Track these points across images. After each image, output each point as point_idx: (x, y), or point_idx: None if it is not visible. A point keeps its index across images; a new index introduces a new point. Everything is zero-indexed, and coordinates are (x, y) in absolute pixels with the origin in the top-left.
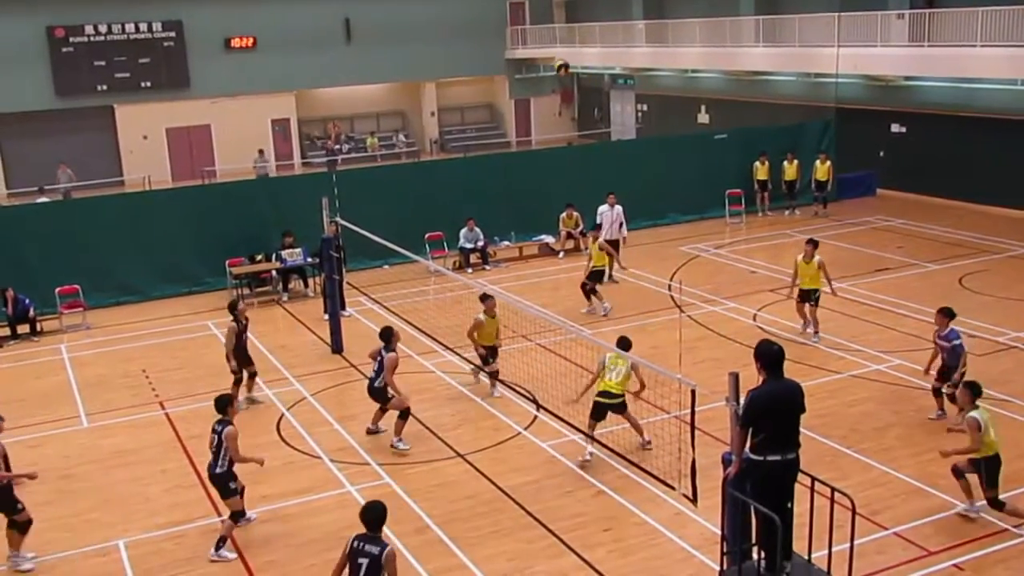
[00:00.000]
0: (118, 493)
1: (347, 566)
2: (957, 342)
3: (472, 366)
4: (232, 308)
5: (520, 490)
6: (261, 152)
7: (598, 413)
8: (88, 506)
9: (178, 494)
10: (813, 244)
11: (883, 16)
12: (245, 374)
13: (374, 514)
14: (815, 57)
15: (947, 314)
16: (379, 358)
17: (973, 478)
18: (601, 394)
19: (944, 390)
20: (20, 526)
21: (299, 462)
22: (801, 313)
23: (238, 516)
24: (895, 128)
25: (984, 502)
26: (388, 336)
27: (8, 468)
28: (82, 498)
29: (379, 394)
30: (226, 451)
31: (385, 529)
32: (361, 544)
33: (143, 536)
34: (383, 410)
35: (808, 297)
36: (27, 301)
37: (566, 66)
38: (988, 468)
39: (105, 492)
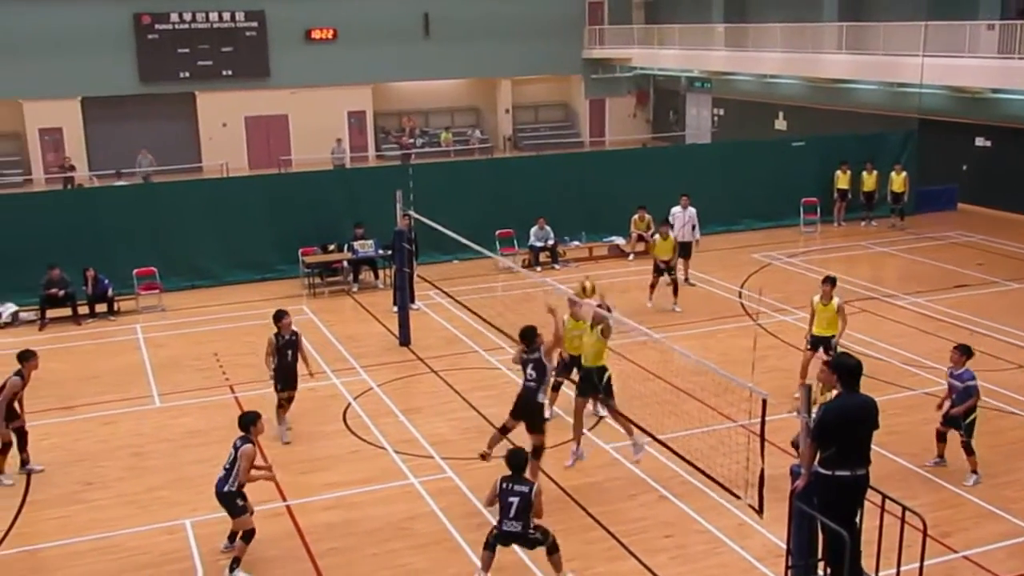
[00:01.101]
0: (187, 473)
1: (498, 505)
2: (972, 383)
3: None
4: (276, 318)
5: (582, 491)
6: (339, 141)
7: None
8: (158, 484)
9: None
10: (831, 283)
11: (972, 26)
12: (285, 406)
13: (519, 459)
14: (899, 66)
15: (964, 352)
16: (528, 362)
17: None
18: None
19: (941, 428)
20: None
21: (364, 452)
22: (805, 369)
23: (250, 535)
24: (980, 141)
25: None
26: (532, 336)
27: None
28: (152, 476)
29: (535, 409)
30: (239, 470)
31: (445, 522)
32: (510, 485)
33: (209, 516)
34: (504, 432)
35: (820, 344)
36: (106, 281)
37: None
38: None
39: (175, 471)
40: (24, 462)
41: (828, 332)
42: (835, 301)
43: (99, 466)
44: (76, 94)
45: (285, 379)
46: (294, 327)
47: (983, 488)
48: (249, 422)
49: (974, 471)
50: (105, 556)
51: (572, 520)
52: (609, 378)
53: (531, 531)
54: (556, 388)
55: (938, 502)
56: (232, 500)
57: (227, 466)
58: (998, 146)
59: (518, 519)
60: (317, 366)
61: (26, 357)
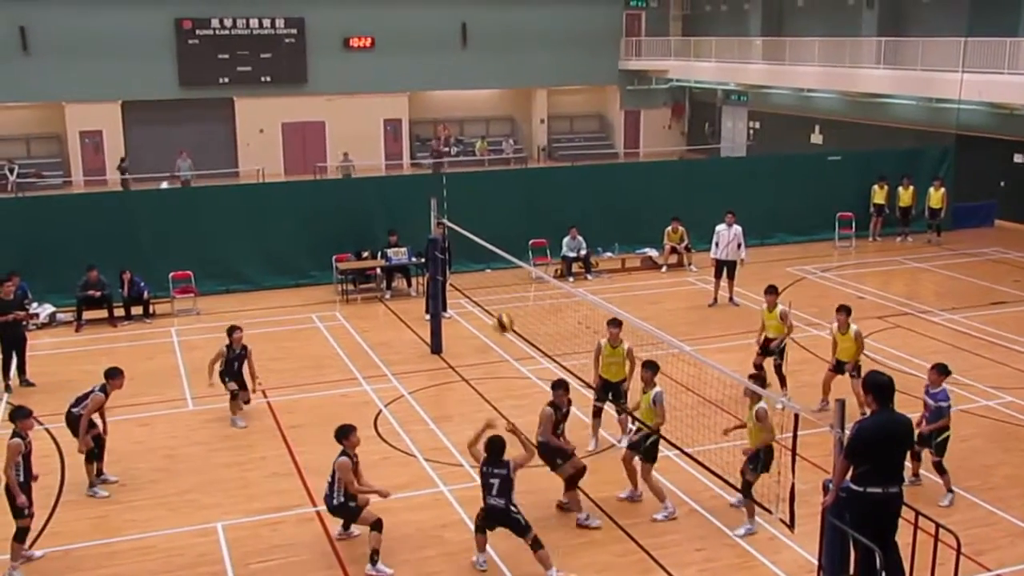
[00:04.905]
0: (219, 476)
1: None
2: (944, 404)
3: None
4: (228, 332)
5: (612, 502)
6: (346, 155)
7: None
8: (190, 486)
9: (276, 482)
10: (846, 312)
11: (1012, 42)
12: (240, 398)
13: (497, 445)
14: (938, 82)
15: (942, 371)
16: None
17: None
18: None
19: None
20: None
21: (394, 459)
22: (827, 387)
23: (379, 524)
24: (1018, 158)
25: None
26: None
27: (30, 468)
28: (185, 478)
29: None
30: (340, 481)
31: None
32: (490, 468)
33: (241, 520)
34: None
35: (841, 369)
36: (142, 284)
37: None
38: (767, 456)
39: (207, 474)
40: (99, 471)
41: (846, 358)
42: (853, 329)
43: (134, 467)
44: (117, 97)
45: (240, 383)
46: (244, 342)
47: (1018, 507)
48: (342, 435)
49: (949, 490)
50: (142, 557)
51: (602, 532)
52: (655, 443)
53: (513, 508)
54: (597, 414)
55: (972, 520)
56: (343, 510)
57: (329, 479)
58: None
59: (500, 496)
60: (266, 381)
61: (113, 375)
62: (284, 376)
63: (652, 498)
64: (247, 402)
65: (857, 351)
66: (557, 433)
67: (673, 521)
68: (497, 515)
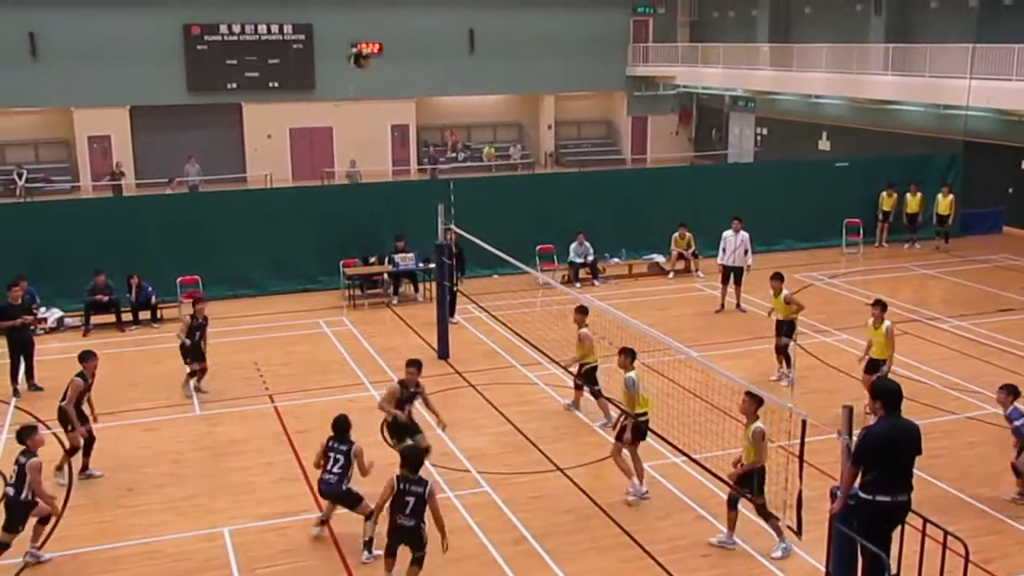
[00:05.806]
0: (225, 481)
1: (393, 503)
2: (1019, 422)
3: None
4: (192, 303)
5: (619, 508)
6: (353, 162)
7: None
8: (197, 491)
9: (284, 487)
10: (881, 307)
11: (1020, 49)
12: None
13: (416, 458)
14: (945, 88)
15: (1010, 391)
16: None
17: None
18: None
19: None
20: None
21: None
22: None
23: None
24: None
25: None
26: (345, 428)
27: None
28: (192, 483)
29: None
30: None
31: (481, 536)
32: (407, 485)
33: (248, 525)
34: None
35: (876, 368)
36: (150, 289)
37: (360, 56)
38: (759, 477)
39: (214, 479)
40: (84, 467)
41: (880, 356)
42: (885, 325)
43: (140, 472)
44: (125, 103)
45: (195, 355)
46: (205, 313)
47: None
48: (349, 427)
49: (1020, 493)
50: (148, 561)
51: (608, 537)
52: (638, 426)
53: (423, 525)
54: (580, 387)
55: (980, 528)
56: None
57: (341, 465)
58: None
59: (413, 516)
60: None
61: (85, 357)
62: (291, 381)
63: (658, 502)
64: (204, 371)
65: (889, 348)
66: (403, 410)
67: (678, 526)
68: (405, 533)
